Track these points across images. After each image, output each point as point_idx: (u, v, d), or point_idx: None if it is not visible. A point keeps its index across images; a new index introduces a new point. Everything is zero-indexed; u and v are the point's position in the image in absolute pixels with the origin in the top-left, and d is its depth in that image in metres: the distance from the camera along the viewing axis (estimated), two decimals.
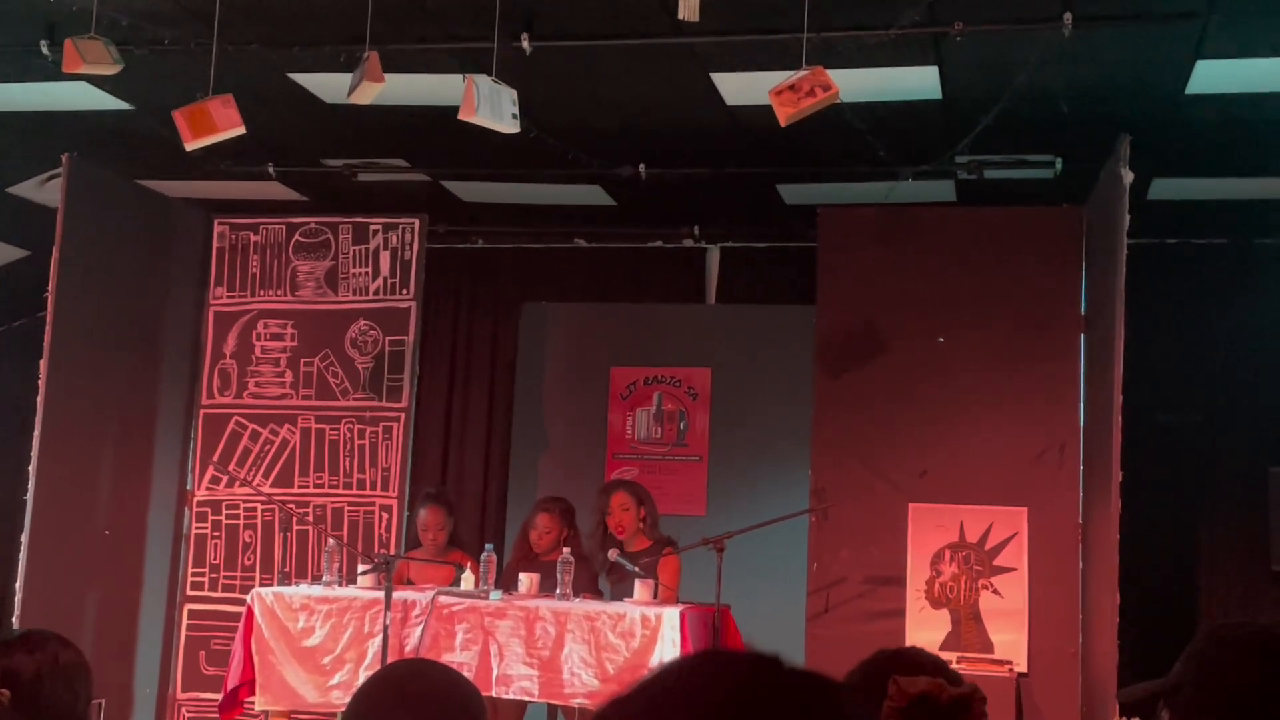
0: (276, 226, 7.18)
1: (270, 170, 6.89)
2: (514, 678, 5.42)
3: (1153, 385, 6.85)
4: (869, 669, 1.96)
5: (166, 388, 7.00)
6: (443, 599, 5.57)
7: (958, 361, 6.36)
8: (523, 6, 4.92)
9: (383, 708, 1.90)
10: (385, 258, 7.03)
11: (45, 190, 7.03)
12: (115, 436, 6.73)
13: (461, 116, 4.77)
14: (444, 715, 1.91)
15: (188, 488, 7.03)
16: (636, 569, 5.71)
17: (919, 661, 1.99)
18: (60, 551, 6.26)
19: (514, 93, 4.87)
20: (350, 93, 4.77)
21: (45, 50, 5.21)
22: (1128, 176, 5.41)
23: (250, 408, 7.05)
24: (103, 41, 4.78)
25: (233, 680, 5.75)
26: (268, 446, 7.00)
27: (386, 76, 4.72)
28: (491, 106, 4.78)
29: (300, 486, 6.93)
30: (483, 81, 4.78)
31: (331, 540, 6.20)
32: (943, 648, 6.00)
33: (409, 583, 6.21)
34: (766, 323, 7.65)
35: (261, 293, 7.14)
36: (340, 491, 6.90)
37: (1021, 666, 6.08)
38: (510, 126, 4.87)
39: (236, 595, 6.68)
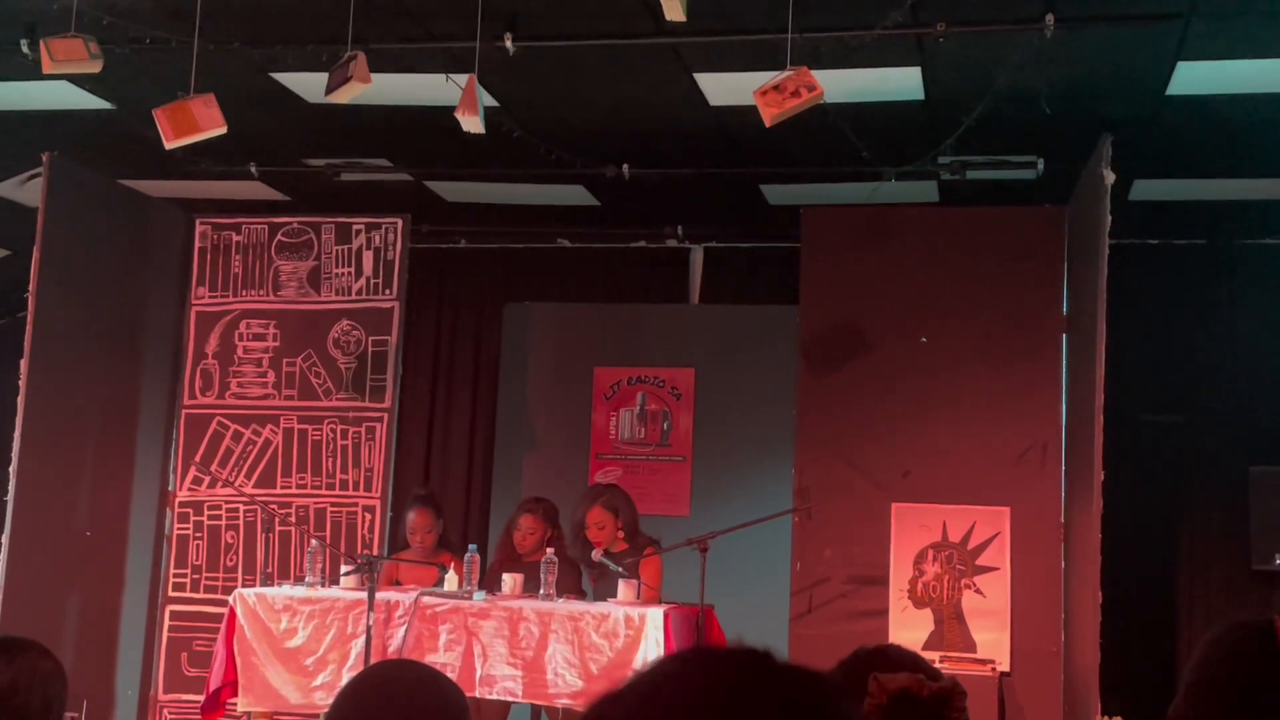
0: (259, 226, 7.16)
1: (252, 170, 6.87)
2: (498, 678, 5.41)
3: (1134, 385, 6.88)
4: (848, 668, 1.97)
5: (148, 388, 6.97)
6: (426, 600, 5.57)
7: (940, 361, 6.38)
8: (506, 6, 4.91)
9: (366, 709, 1.89)
10: (368, 258, 7.01)
11: (25, 190, 7.00)
12: (96, 437, 6.70)
13: (459, 114, 4.74)
14: (428, 716, 1.90)
15: (169, 488, 7.01)
16: (620, 569, 5.71)
17: (897, 658, 1.99)
18: (41, 553, 6.23)
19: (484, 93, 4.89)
20: (328, 91, 4.76)
21: (25, 49, 5.18)
22: (1109, 177, 5.42)
23: (232, 408, 7.03)
24: (83, 39, 4.75)
25: (215, 681, 5.73)
26: (250, 447, 6.98)
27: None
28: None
29: (283, 487, 6.91)
30: (462, 80, 4.78)
31: (314, 541, 6.18)
32: (925, 647, 6.02)
33: (398, 584, 6.20)
34: (750, 323, 7.66)
35: (244, 293, 7.12)
36: (323, 492, 6.88)
37: (1004, 666, 6.10)
38: (478, 127, 4.85)
39: (218, 596, 6.66)
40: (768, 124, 4.61)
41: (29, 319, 6.23)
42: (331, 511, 6.86)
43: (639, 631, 5.30)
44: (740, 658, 0.91)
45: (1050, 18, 4.74)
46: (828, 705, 0.89)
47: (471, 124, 4.79)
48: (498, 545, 6.40)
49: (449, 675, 2.13)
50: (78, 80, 5.45)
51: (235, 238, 7.16)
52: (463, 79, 4.87)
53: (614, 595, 5.62)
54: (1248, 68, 5.23)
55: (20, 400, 6.16)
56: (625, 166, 6.60)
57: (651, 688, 0.90)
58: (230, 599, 5.85)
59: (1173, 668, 7.06)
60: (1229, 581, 7.13)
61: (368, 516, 6.82)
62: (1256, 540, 7.01)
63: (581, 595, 5.96)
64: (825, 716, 0.89)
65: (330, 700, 1.98)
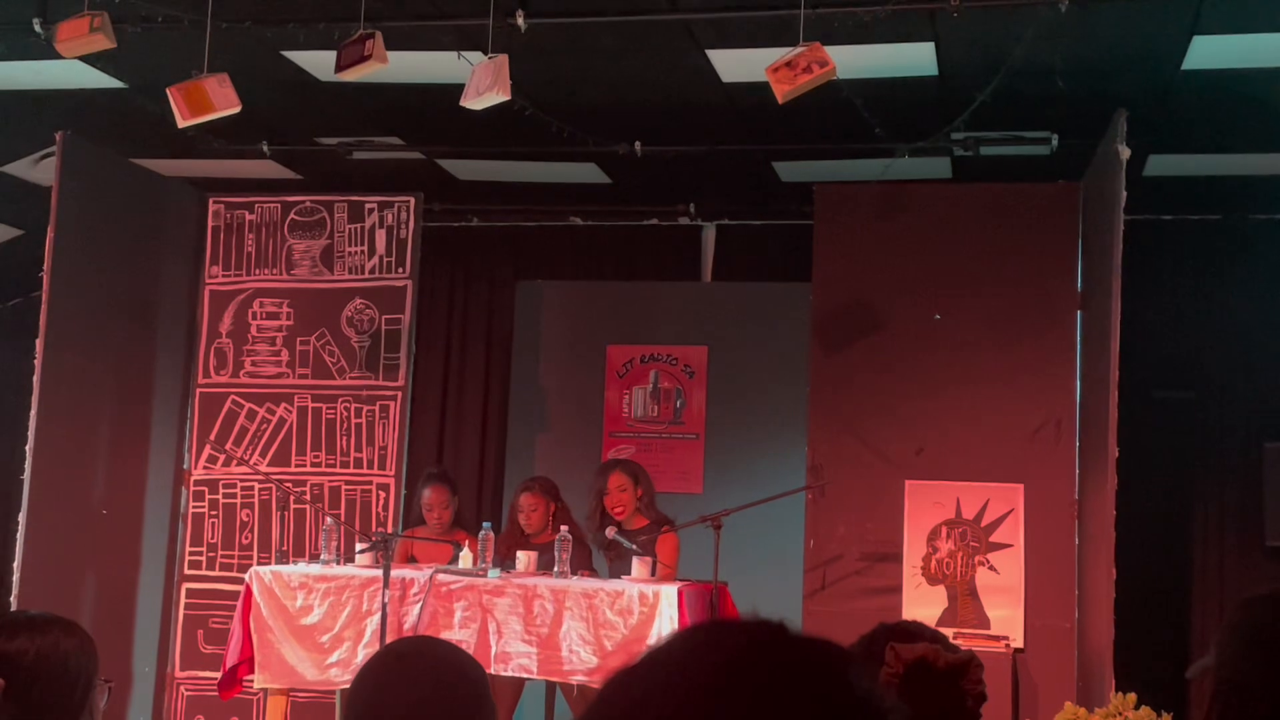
0: (272, 205, 7.16)
1: (265, 149, 6.86)
2: (512, 655, 5.44)
3: (1149, 361, 6.85)
4: (869, 642, 1.98)
5: (163, 367, 7.00)
6: (441, 577, 5.59)
7: (954, 338, 6.37)
8: None
9: (389, 685, 1.90)
10: (381, 236, 7.01)
11: (39, 169, 7.00)
12: (112, 416, 6.72)
13: (492, 93, 4.72)
14: (449, 691, 1.91)
15: (185, 467, 7.03)
16: (634, 546, 5.72)
17: (917, 632, 2.00)
18: (58, 531, 6.26)
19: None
20: (338, 69, 4.75)
21: (38, 28, 5.18)
22: (1124, 153, 5.40)
23: (247, 387, 7.05)
24: (89, 17, 4.74)
25: (231, 659, 5.77)
26: (264, 425, 7.00)
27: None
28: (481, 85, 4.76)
29: (297, 465, 6.93)
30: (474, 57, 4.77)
31: (329, 519, 6.21)
32: (939, 624, 6.02)
33: (413, 560, 6.22)
34: (762, 300, 7.65)
35: (257, 271, 7.13)
36: (337, 470, 6.90)
37: (1017, 642, 6.11)
38: (483, 105, 4.82)
39: (234, 574, 6.69)
40: (781, 100, 4.60)
41: (43, 298, 6.24)
42: (346, 489, 6.89)
43: (653, 609, 5.32)
44: (756, 629, 0.92)
45: None
46: (845, 675, 0.89)
47: (477, 101, 4.77)
48: (503, 534, 6.32)
49: None
50: (90, 59, 5.45)
51: (248, 217, 7.16)
52: (474, 56, 4.86)
53: (629, 573, 5.63)
54: (1264, 42, 5.19)
55: (36, 379, 6.18)
56: (637, 144, 6.58)
57: (669, 660, 0.90)
58: (246, 576, 5.88)
59: (1186, 644, 7.06)
60: (1243, 558, 7.12)
61: (382, 494, 6.84)
62: (1270, 516, 7.00)
63: (593, 573, 5.97)
64: (842, 686, 0.89)
65: (346, 677, 2.00)
